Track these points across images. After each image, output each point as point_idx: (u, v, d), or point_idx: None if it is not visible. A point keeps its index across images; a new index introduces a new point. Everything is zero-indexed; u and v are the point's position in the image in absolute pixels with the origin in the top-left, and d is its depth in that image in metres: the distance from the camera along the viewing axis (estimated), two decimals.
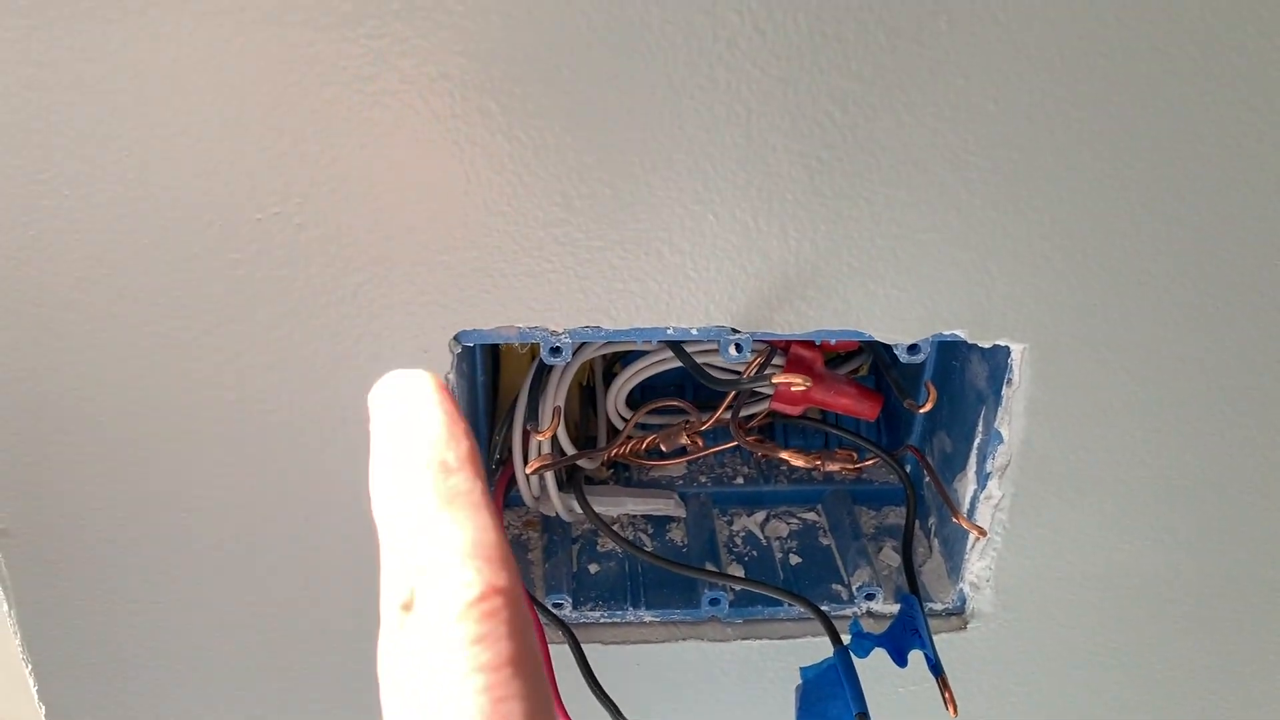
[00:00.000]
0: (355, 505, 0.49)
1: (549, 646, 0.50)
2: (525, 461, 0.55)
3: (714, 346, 0.52)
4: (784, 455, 0.58)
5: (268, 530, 0.49)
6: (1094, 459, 0.50)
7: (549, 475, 0.55)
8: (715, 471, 0.63)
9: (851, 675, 0.46)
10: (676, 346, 0.49)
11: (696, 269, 0.44)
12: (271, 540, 0.49)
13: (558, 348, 0.46)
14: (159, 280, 0.43)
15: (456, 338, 0.45)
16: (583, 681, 0.50)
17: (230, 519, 0.49)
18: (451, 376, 0.46)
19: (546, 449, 0.52)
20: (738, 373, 0.51)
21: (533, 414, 0.48)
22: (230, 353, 0.44)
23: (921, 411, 0.46)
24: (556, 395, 0.50)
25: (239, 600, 0.51)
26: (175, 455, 0.47)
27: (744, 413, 0.60)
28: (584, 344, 0.53)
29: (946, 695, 0.46)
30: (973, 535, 0.53)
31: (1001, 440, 0.50)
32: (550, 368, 0.52)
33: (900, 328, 0.46)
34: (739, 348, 0.46)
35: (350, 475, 0.48)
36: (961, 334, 0.46)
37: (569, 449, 0.56)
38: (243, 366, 0.45)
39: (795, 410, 0.56)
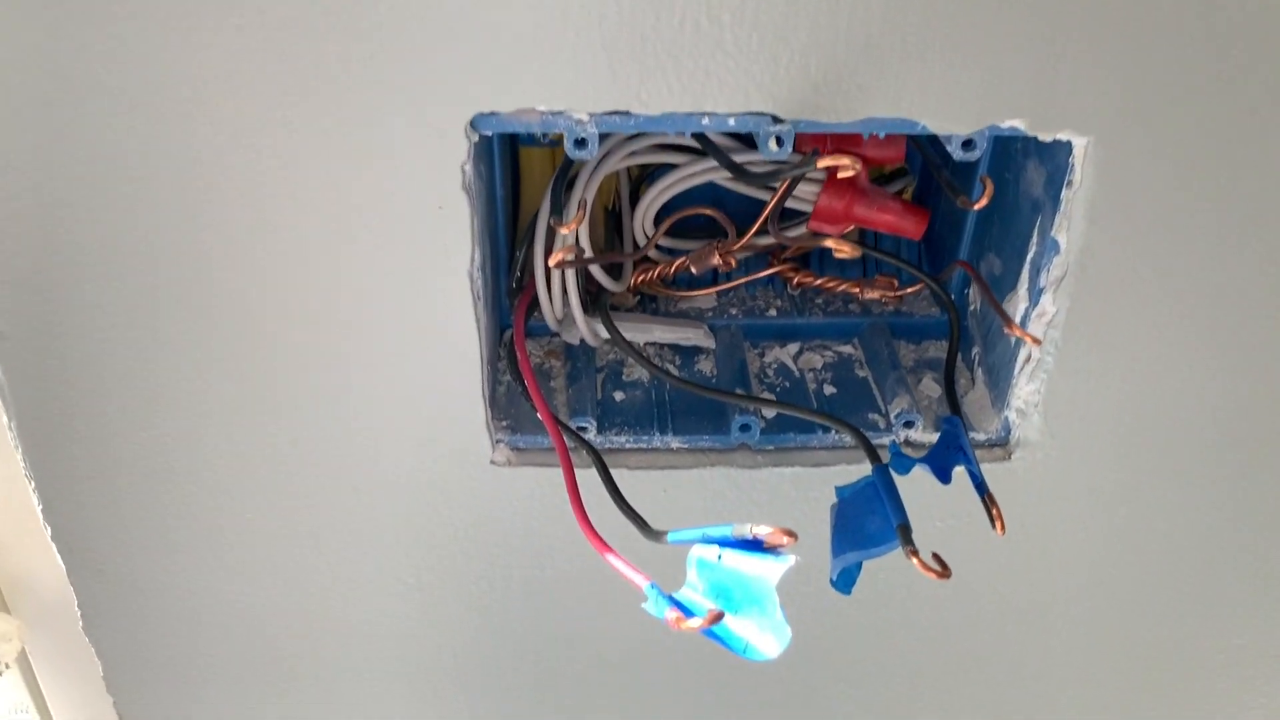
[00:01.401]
0: (363, 300, 0.46)
1: (574, 472, 0.48)
2: (548, 287, 0.52)
3: (751, 158, 0.49)
4: (824, 277, 0.55)
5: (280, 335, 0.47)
6: (1157, 269, 0.47)
7: (573, 293, 0.52)
8: (747, 304, 0.60)
9: (892, 490, 0.43)
10: (711, 144, 0.45)
11: (736, 43, 0.40)
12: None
13: (583, 139, 0.43)
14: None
15: (473, 123, 0.42)
16: (606, 506, 0.48)
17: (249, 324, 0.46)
18: (468, 168, 0.43)
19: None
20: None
21: (557, 209, 0.45)
22: (234, 129, 0.41)
23: (977, 207, 0.42)
24: (584, 190, 0.47)
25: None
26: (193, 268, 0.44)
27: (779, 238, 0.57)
28: (609, 152, 0.50)
29: (994, 512, 0.43)
30: (1021, 358, 0.50)
31: (1058, 250, 0.46)
32: (575, 170, 0.49)
33: (956, 117, 0.42)
34: (780, 141, 0.43)
35: (361, 271, 0.45)
36: (1021, 125, 0.43)
37: (596, 272, 0.53)
38: (249, 147, 0.42)
39: (836, 230, 0.52)
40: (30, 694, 0.68)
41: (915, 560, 0.40)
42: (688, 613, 0.38)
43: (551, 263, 0.42)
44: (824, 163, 0.39)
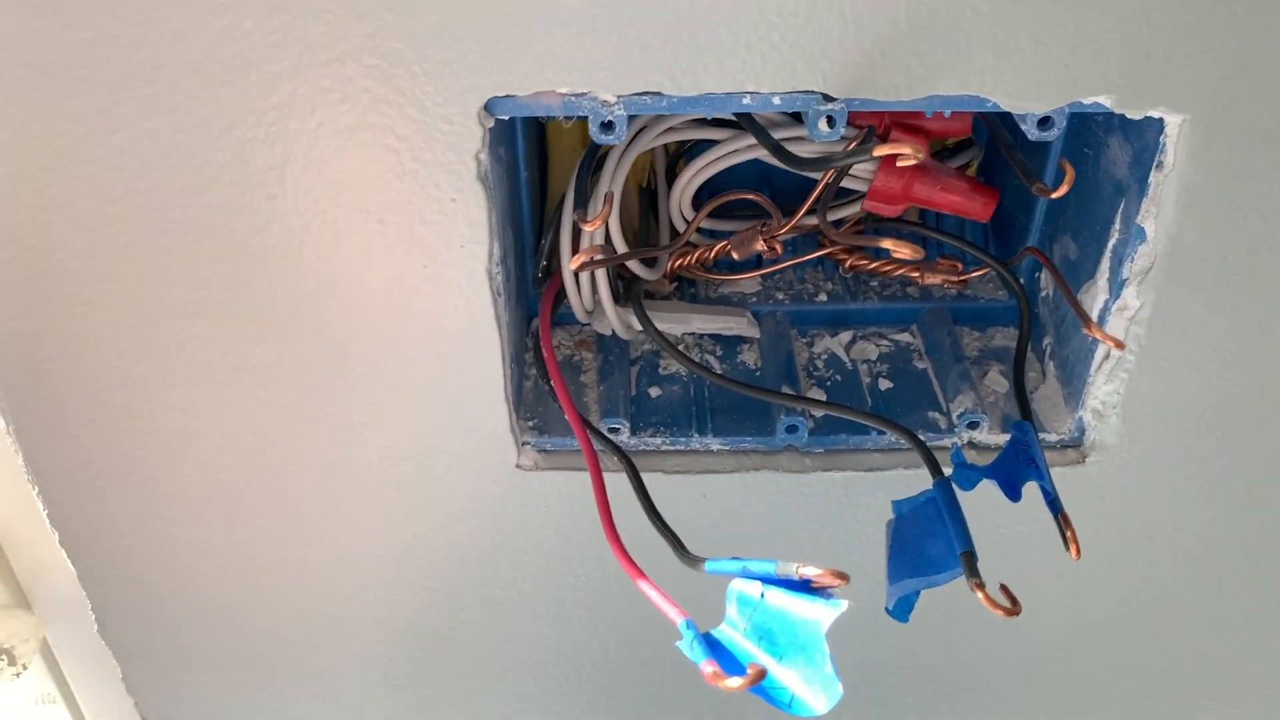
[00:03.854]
0: (376, 299, 0.42)
1: (603, 476, 0.44)
2: (576, 277, 0.48)
3: (799, 134, 0.44)
4: (880, 260, 0.50)
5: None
6: (1256, 261, 0.41)
7: (603, 285, 0.48)
8: (794, 288, 0.55)
9: (955, 509, 0.39)
10: (754, 124, 0.40)
11: (782, 13, 0.35)
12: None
13: (610, 122, 0.38)
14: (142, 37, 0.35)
15: (487, 107, 0.37)
16: (641, 513, 0.44)
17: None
18: (484, 157, 0.38)
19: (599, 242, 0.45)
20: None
21: (581, 202, 0.41)
22: (225, 122, 0.37)
23: (1055, 196, 0.37)
24: (611, 180, 0.42)
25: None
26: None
27: (831, 218, 0.52)
28: (642, 129, 0.45)
29: (1069, 534, 0.39)
30: (1099, 355, 0.45)
31: (1144, 239, 0.41)
32: (603, 152, 0.45)
33: (1033, 93, 0.37)
34: (831, 122, 0.38)
35: (374, 269, 0.41)
36: (1106, 102, 0.37)
37: None
38: (237, 139, 0.38)
39: (893, 211, 0.47)
40: (57, 686, 0.66)
41: (981, 595, 0.36)
42: (727, 659, 0.34)
43: (573, 265, 0.38)
44: (881, 151, 0.34)
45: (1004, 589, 0.36)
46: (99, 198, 0.39)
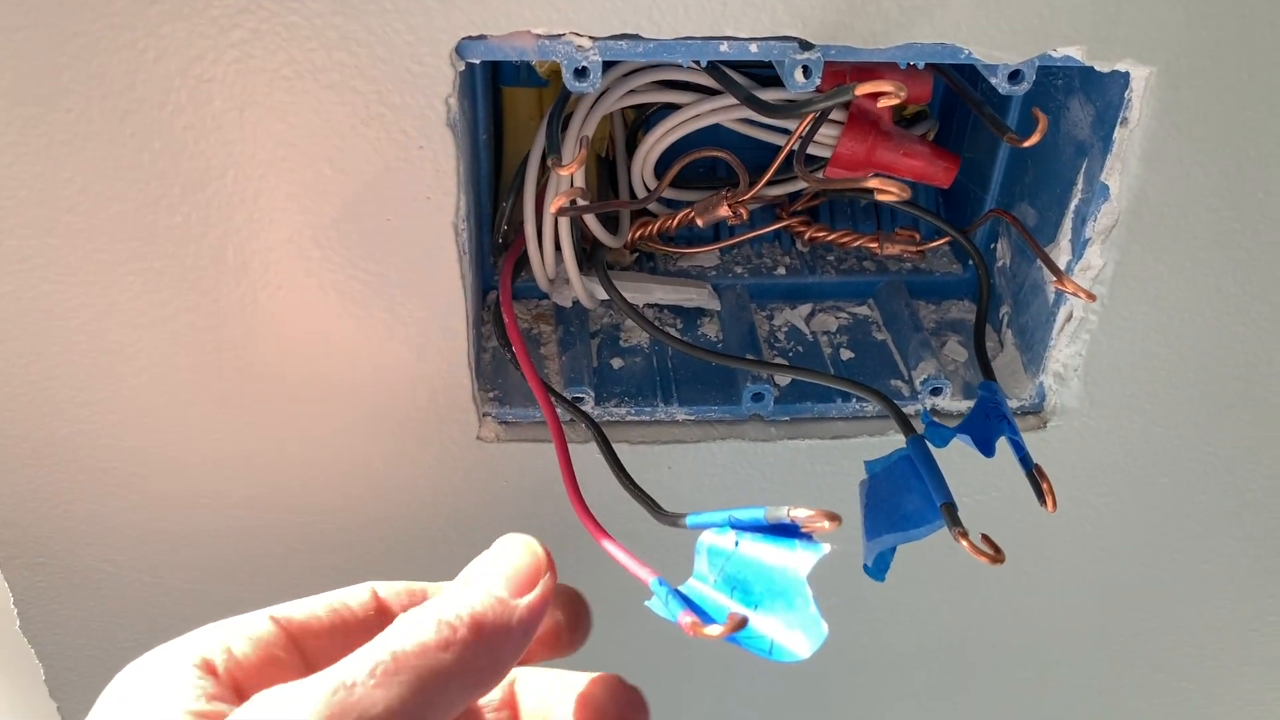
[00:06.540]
0: (333, 255, 0.41)
1: (569, 447, 0.43)
2: (539, 242, 0.47)
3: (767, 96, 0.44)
4: (838, 232, 0.50)
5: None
6: (1218, 218, 0.42)
7: (567, 248, 0.46)
8: (752, 263, 0.55)
9: (931, 464, 0.39)
10: (724, 75, 0.40)
11: None
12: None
13: (584, 68, 0.37)
14: None
15: (458, 50, 0.36)
16: (603, 487, 0.43)
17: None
18: (454, 102, 0.37)
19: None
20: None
21: (553, 148, 0.39)
22: (182, 60, 0.35)
23: (1027, 145, 0.38)
24: (584, 125, 0.41)
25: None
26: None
27: (792, 189, 0.52)
28: (604, 92, 0.44)
29: (1045, 486, 0.39)
30: (1061, 317, 0.46)
31: (1108, 196, 0.42)
32: (569, 110, 0.44)
33: (1006, 42, 0.37)
34: (807, 72, 0.38)
35: (331, 223, 0.40)
36: (1077, 54, 0.38)
37: (592, 226, 0.48)
38: (194, 78, 0.36)
39: (855, 173, 0.47)
40: None
41: (965, 543, 0.35)
42: (704, 616, 0.33)
43: (553, 209, 0.37)
44: (864, 89, 0.34)
45: (986, 538, 0.36)
46: (41, 141, 0.37)
